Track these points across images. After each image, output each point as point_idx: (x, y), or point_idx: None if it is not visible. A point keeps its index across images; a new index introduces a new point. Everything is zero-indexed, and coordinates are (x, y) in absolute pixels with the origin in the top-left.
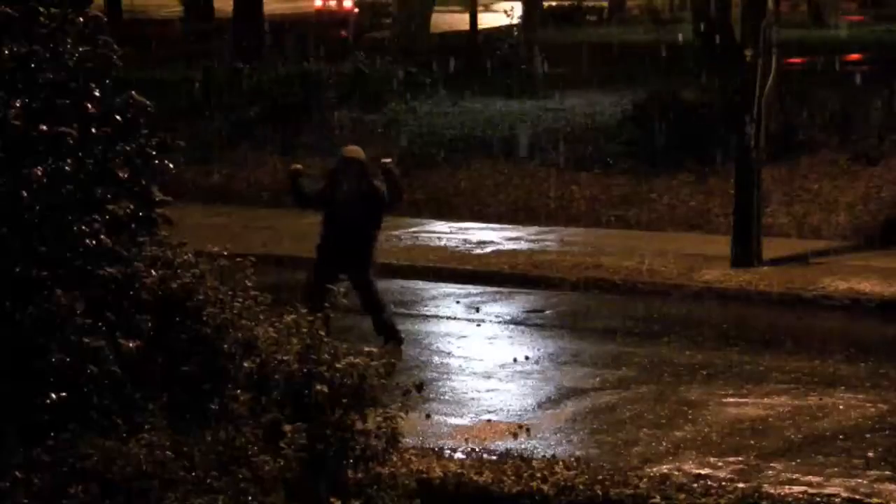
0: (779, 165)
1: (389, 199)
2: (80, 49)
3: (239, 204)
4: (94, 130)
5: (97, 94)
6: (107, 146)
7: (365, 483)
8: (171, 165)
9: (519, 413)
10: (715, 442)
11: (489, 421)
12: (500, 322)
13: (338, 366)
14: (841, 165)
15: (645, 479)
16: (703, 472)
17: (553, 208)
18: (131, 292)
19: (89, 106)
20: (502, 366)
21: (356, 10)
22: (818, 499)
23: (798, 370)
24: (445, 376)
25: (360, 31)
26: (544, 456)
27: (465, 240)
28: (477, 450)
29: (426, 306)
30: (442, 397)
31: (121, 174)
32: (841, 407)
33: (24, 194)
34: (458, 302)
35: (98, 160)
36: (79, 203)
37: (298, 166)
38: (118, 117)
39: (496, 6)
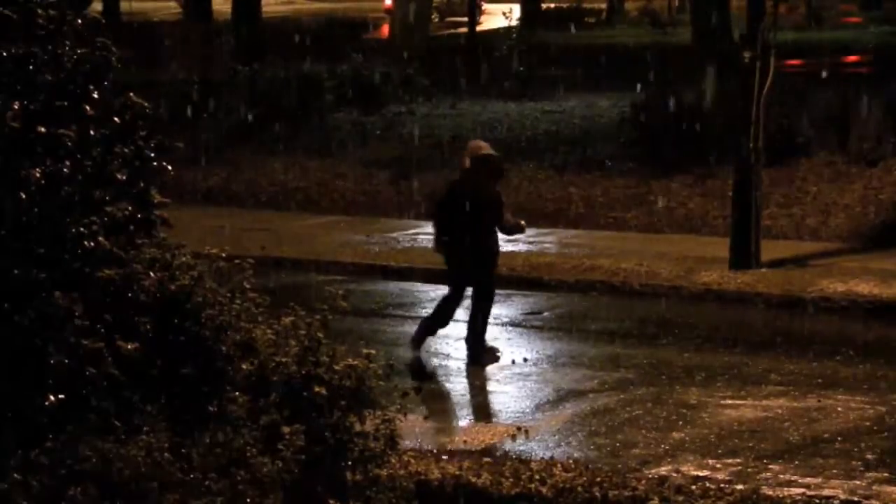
0: (777, 167)
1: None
2: (79, 51)
3: (237, 206)
4: (92, 132)
5: (95, 95)
6: (105, 148)
7: (363, 485)
8: (169, 167)
9: (517, 415)
10: (713, 444)
11: (487, 423)
12: (498, 324)
13: (336, 368)
14: (839, 167)
15: (643, 481)
16: (701, 473)
17: (551, 210)
18: (129, 294)
19: (87, 108)
20: (500, 368)
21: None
22: (816, 501)
23: (796, 372)
24: (444, 378)
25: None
26: (543, 458)
27: None
28: (475, 452)
29: (424, 308)
30: (440, 399)
31: (119, 176)
32: (839, 409)
33: (23, 196)
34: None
35: (96, 162)
36: (77, 205)
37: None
38: (116, 119)
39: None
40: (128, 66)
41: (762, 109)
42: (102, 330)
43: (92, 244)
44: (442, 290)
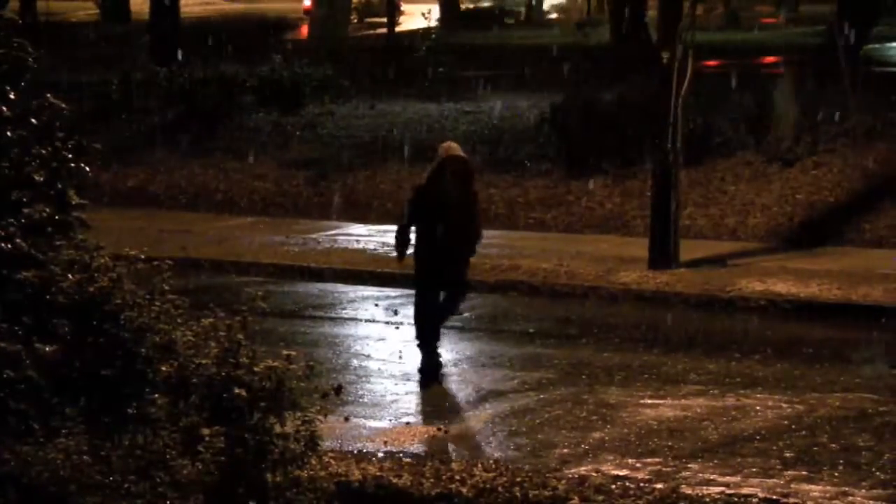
0: (695, 167)
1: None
2: None
3: (157, 207)
4: (9, 133)
5: (12, 96)
6: (22, 149)
7: (284, 486)
8: (87, 168)
9: (438, 415)
10: (633, 443)
11: (408, 424)
12: None
13: (256, 369)
14: (757, 167)
15: (564, 481)
16: (621, 473)
17: None
18: (48, 296)
19: (4, 109)
20: (421, 368)
21: None
22: (735, 499)
23: (715, 371)
24: (364, 379)
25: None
26: (463, 458)
27: (383, 242)
28: (396, 452)
29: (345, 309)
30: (360, 400)
31: (37, 177)
32: (758, 408)
33: None
34: (376, 304)
35: (13, 163)
36: None
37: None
38: (34, 120)
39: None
40: (45, 67)
41: (680, 110)
42: (20, 332)
43: (9, 246)
44: (361, 291)
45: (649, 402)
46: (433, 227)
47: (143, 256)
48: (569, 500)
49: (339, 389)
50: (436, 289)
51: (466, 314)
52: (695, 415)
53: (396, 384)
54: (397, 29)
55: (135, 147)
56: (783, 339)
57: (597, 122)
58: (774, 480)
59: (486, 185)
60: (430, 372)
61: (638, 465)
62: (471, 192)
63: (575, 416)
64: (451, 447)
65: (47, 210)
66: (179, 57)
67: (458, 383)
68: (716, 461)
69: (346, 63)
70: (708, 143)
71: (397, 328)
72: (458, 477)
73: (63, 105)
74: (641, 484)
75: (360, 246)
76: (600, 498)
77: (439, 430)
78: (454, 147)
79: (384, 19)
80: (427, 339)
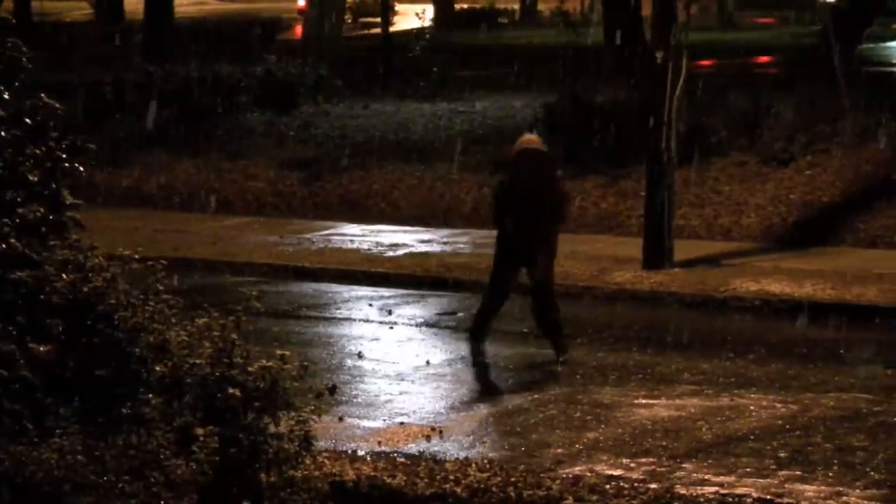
0: (689, 167)
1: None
2: None
3: (151, 207)
4: (3, 133)
5: (6, 96)
6: (16, 149)
7: (278, 486)
8: (81, 168)
9: (432, 415)
10: (627, 443)
11: (402, 423)
12: (412, 324)
13: (250, 369)
14: (751, 167)
15: (558, 481)
16: (615, 473)
17: (465, 211)
18: (42, 296)
19: None
20: (415, 368)
21: None
22: (730, 499)
23: (709, 371)
24: (358, 379)
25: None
26: (457, 458)
27: (377, 242)
28: (390, 452)
29: (339, 309)
30: (355, 400)
31: (31, 177)
32: (752, 408)
33: None
34: (370, 304)
35: (7, 163)
36: None
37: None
38: (28, 120)
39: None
40: (40, 67)
41: (674, 110)
42: (14, 332)
43: (3, 246)
44: (355, 291)
45: (643, 401)
46: (515, 216)
47: (137, 256)
48: (563, 500)
49: (333, 389)
50: (515, 268)
51: (461, 314)
52: (689, 415)
53: (391, 384)
54: (391, 29)
55: (129, 147)
56: (777, 338)
57: (591, 121)
58: (769, 480)
59: (481, 184)
60: (479, 334)
61: (632, 464)
62: (549, 181)
63: (569, 416)
64: (445, 447)
65: (41, 210)
66: (174, 57)
67: (453, 383)
68: (710, 461)
69: (341, 63)
70: (702, 143)
71: (391, 328)
72: (452, 477)
73: (57, 105)
74: (636, 484)
75: (354, 246)
76: (594, 498)
77: (433, 429)
78: (527, 139)
79: (378, 19)
80: (484, 322)
